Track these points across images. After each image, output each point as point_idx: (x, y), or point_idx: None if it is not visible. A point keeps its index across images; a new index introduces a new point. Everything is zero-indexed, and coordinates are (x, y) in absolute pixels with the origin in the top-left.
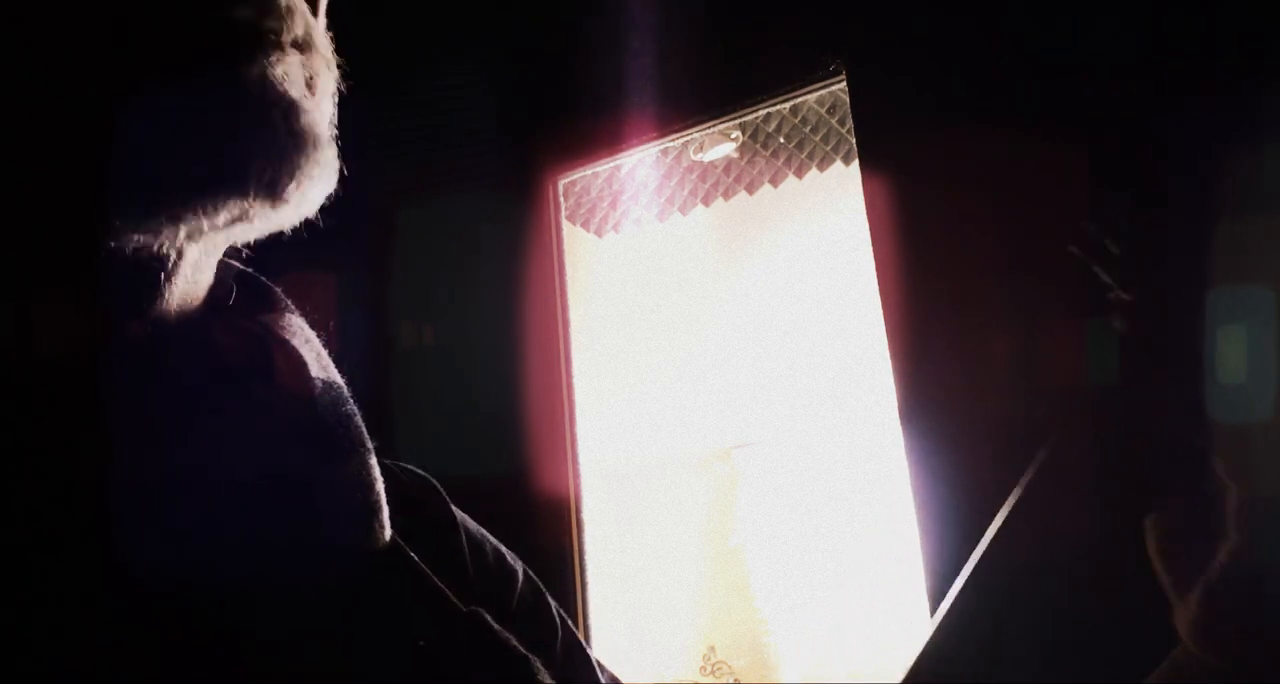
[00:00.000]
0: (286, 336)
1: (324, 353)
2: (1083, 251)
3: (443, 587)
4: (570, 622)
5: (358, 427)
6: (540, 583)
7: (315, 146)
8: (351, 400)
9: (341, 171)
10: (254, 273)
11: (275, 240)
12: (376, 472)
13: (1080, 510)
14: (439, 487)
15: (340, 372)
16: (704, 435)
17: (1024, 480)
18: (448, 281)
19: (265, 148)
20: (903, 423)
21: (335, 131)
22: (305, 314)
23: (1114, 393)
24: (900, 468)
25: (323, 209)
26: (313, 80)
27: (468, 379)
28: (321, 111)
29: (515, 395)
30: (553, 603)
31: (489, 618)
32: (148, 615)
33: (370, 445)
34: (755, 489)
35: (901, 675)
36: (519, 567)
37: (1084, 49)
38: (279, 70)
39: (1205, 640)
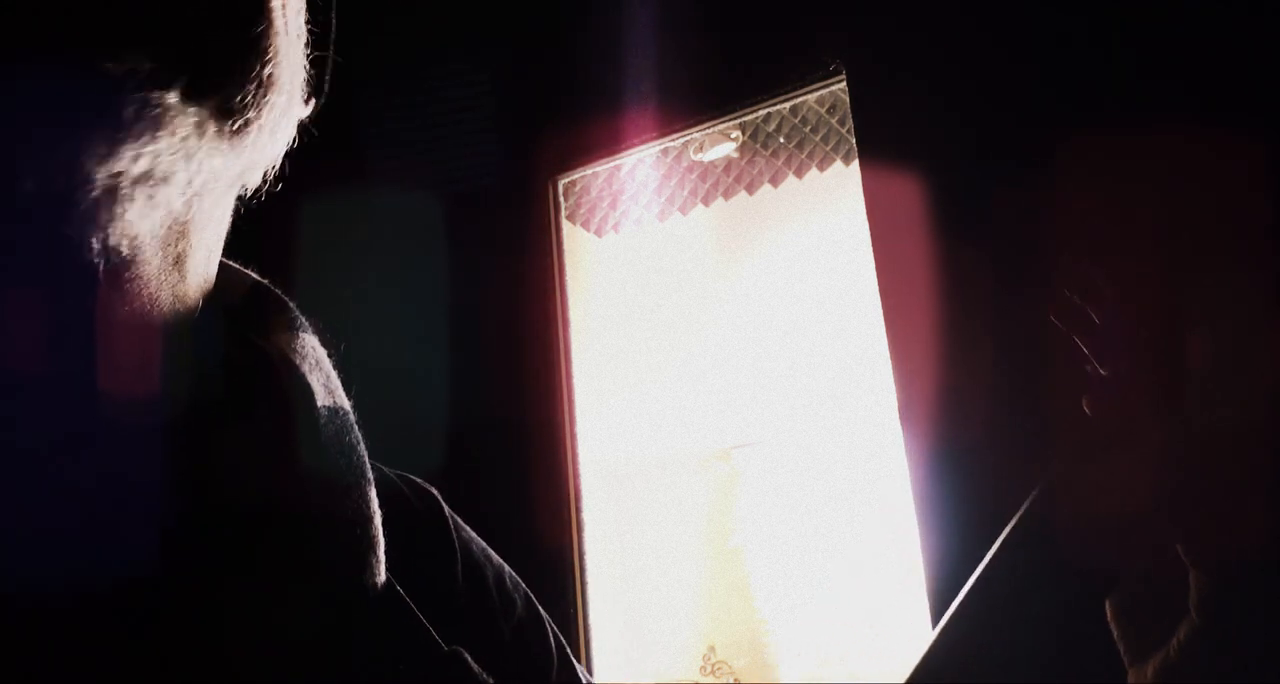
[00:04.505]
0: (297, 361)
1: (333, 376)
2: (1061, 321)
3: (426, 623)
4: (569, 650)
5: (360, 457)
6: (541, 609)
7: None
8: (356, 427)
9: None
10: (270, 285)
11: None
12: (375, 505)
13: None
14: (441, 500)
15: (349, 395)
16: (704, 435)
17: (1034, 493)
18: (448, 281)
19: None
20: (903, 423)
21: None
22: (317, 332)
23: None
24: (900, 468)
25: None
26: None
27: (467, 379)
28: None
29: (515, 395)
30: (552, 631)
31: (469, 658)
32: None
33: (370, 476)
34: (755, 489)
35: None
36: (519, 593)
37: (1084, 49)
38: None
39: None
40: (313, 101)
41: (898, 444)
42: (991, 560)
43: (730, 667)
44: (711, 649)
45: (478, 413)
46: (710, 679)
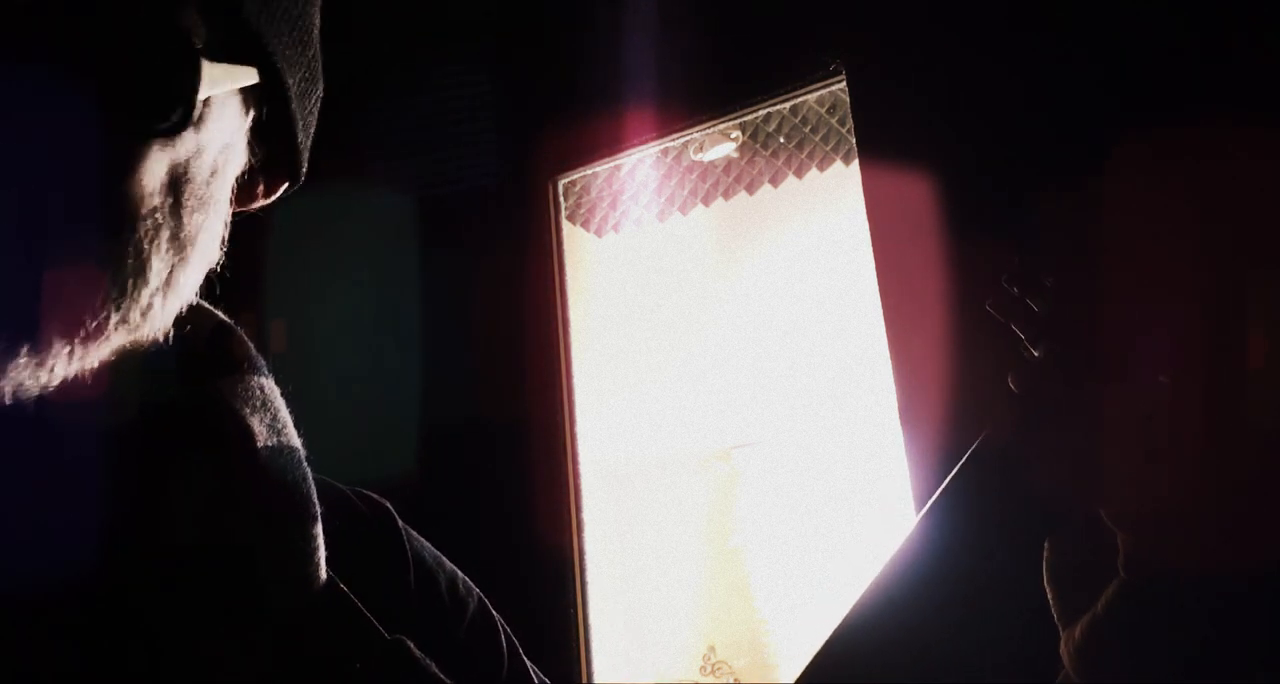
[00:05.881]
0: (238, 405)
1: (281, 415)
2: (998, 311)
3: (369, 617)
4: (521, 651)
5: (304, 494)
6: (495, 613)
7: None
8: (304, 464)
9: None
10: (233, 326)
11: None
12: (318, 540)
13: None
14: (394, 513)
15: (299, 433)
16: (704, 435)
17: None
18: (448, 281)
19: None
20: (903, 423)
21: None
22: (270, 370)
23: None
24: (900, 468)
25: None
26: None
27: (467, 379)
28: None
29: (515, 395)
30: (504, 633)
31: (411, 645)
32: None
33: (316, 512)
34: (755, 489)
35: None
36: (472, 597)
37: (1084, 48)
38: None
39: (1085, 669)
40: (285, 186)
41: (898, 444)
42: (929, 509)
43: (730, 667)
44: (711, 649)
45: (478, 413)
46: (710, 679)
